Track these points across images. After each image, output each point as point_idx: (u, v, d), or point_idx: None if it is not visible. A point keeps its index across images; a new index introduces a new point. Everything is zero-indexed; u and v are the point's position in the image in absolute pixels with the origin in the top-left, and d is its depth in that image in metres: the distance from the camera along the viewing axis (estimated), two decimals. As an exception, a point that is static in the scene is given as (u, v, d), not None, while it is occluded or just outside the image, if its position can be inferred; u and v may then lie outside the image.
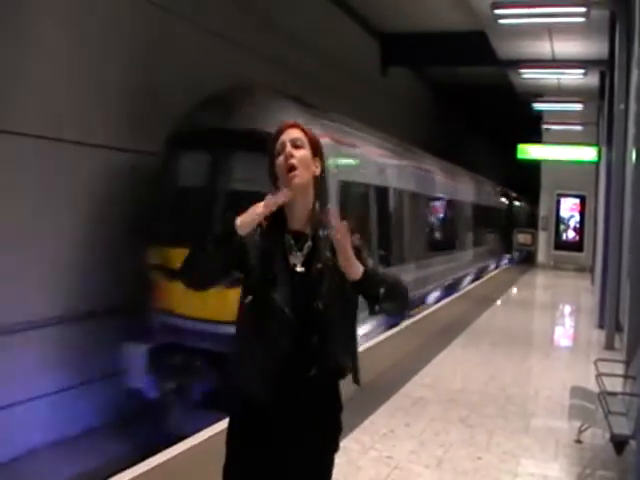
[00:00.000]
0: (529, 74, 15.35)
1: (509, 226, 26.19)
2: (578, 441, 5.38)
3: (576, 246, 22.90)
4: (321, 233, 2.32)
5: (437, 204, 14.31)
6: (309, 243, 2.32)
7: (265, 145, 2.38)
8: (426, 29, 16.19)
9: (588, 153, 18.91)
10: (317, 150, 2.39)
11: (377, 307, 2.33)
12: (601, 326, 10.31)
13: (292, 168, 2.29)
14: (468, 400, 6.60)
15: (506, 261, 25.66)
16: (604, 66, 13.32)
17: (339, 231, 2.21)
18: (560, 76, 15.61)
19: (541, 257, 23.63)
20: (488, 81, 19.33)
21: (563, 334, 12.05)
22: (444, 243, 14.55)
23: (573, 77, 15.31)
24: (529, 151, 20.91)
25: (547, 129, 21.42)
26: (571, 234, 23.17)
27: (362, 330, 7.08)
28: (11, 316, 6.43)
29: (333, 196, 7.19)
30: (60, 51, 7.03)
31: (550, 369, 8.38)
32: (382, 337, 7.83)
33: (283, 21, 11.72)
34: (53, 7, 6.95)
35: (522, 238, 26.73)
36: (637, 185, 7.54)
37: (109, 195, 7.73)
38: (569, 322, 13.52)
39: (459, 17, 14.48)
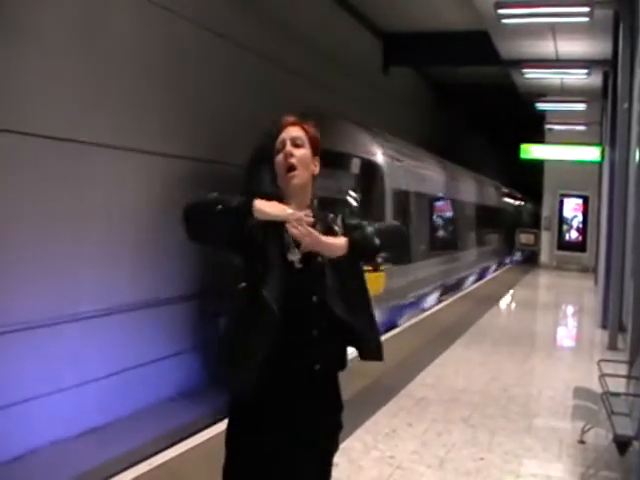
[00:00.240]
0: (532, 74, 15.31)
1: (512, 226, 26.14)
2: (581, 441, 5.36)
3: (579, 246, 22.82)
4: (318, 229, 2.26)
5: (450, 205, 15.21)
6: None
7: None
8: (429, 29, 16.19)
9: (591, 153, 18.83)
10: (317, 149, 2.37)
11: (379, 257, 2.32)
12: (604, 326, 10.27)
13: (292, 168, 2.27)
14: (470, 400, 6.58)
15: (509, 261, 25.62)
16: (607, 66, 13.29)
17: (289, 223, 2.16)
18: (563, 76, 15.57)
19: (544, 257, 23.54)
20: (491, 81, 19.30)
21: (566, 334, 12.01)
22: (457, 242, 15.63)
23: (576, 77, 15.27)
24: (532, 151, 20.83)
25: (550, 129, 21.37)
26: (574, 234, 23.08)
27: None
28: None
29: (388, 200, 9.56)
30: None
31: (553, 369, 8.35)
32: (384, 337, 7.82)
33: (282, 18, 11.68)
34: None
35: (525, 238, 26.65)
36: (640, 185, 7.51)
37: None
38: (572, 322, 13.47)
39: (462, 17, 14.48)
